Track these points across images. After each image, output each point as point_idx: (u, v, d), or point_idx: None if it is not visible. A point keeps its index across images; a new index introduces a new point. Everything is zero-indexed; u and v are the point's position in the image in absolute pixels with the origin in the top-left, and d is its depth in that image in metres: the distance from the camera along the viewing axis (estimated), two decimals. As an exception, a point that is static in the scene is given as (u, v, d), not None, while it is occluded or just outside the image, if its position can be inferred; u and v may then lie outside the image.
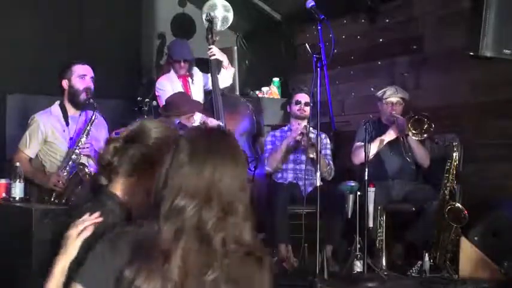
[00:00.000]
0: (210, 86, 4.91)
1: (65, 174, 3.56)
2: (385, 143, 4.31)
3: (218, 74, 4.92)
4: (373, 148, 4.16)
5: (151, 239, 1.31)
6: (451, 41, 4.60)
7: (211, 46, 4.88)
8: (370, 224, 3.93)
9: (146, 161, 1.68)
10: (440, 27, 4.81)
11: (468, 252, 3.82)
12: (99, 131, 3.78)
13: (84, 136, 3.63)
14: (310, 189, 4.29)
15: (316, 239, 3.54)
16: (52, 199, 3.49)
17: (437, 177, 4.08)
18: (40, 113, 3.78)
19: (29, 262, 2.55)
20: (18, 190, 3.28)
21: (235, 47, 6.01)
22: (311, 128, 4.41)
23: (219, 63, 4.96)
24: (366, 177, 3.88)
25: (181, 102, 4.26)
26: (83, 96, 3.71)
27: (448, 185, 3.98)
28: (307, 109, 4.52)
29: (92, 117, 3.67)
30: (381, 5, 5.24)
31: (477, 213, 3.92)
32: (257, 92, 5.78)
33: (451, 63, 4.64)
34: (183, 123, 4.19)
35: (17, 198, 3.28)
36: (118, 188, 1.73)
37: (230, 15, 5.44)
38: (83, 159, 3.63)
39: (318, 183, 3.65)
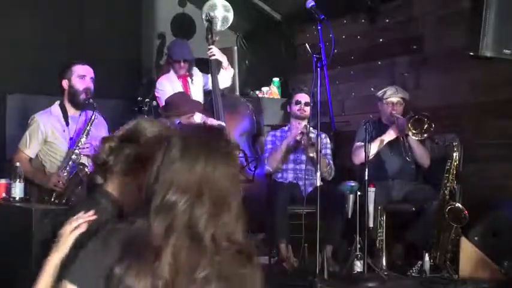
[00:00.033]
0: (209, 86, 4.91)
1: (65, 174, 3.56)
2: (385, 143, 4.31)
3: (218, 74, 4.92)
4: (373, 148, 4.16)
5: (142, 236, 1.30)
6: (451, 41, 4.60)
7: (211, 46, 4.88)
8: (370, 224, 3.93)
9: (142, 160, 1.68)
10: (440, 27, 4.81)
11: (468, 252, 3.82)
12: (99, 131, 3.78)
13: (84, 136, 3.64)
14: (310, 189, 4.29)
15: (316, 239, 3.54)
16: (52, 199, 3.49)
17: (437, 177, 4.08)
18: (40, 113, 3.77)
19: (29, 262, 2.54)
20: (18, 190, 3.28)
21: (235, 47, 6.01)
22: (311, 128, 4.41)
23: (218, 64, 4.96)
24: (366, 177, 3.88)
25: (181, 102, 4.26)
26: (82, 97, 3.71)
27: (448, 185, 3.98)
28: (307, 109, 4.52)
29: (91, 117, 3.67)
30: (381, 5, 5.24)
31: (477, 213, 3.92)
32: (257, 92, 5.78)
33: (451, 63, 4.64)
34: (183, 123, 4.19)
35: (17, 198, 3.28)
36: (113, 187, 1.74)
37: (230, 15, 5.43)
38: (83, 159, 3.63)
39: (318, 183, 3.65)
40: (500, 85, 4.33)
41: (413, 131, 4.11)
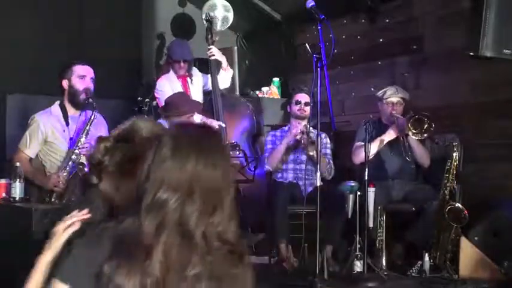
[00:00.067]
0: (209, 86, 4.91)
1: (65, 174, 3.56)
2: (385, 142, 4.31)
3: (217, 74, 4.92)
4: (373, 148, 4.16)
5: (133, 235, 1.30)
6: (451, 41, 4.60)
7: (211, 46, 4.88)
8: (370, 224, 3.93)
9: (137, 161, 1.68)
10: (440, 27, 4.81)
11: (468, 252, 3.82)
12: (99, 131, 3.78)
13: (84, 136, 3.63)
14: (310, 189, 4.29)
15: (316, 239, 3.54)
16: (52, 199, 3.49)
17: (437, 177, 4.08)
18: (40, 113, 3.77)
19: (29, 262, 2.54)
20: (18, 190, 3.28)
21: (235, 47, 6.01)
22: (311, 128, 4.41)
23: (218, 64, 4.96)
24: (366, 177, 3.88)
25: (181, 102, 4.26)
26: (82, 97, 3.71)
27: (448, 185, 3.98)
28: (307, 109, 4.51)
29: (91, 116, 3.66)
30: (381, 5, 5.24)
31: (477, 213, 3.92)
32: (257, 92, 5.78)
33: (451, 63, 4.64)
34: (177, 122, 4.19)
35: (17, 198, 3.28)
36: (108, 186, 1.73)
37: (230, 15, 5.44)
38: (83, 159, 3.62)
39: (318, 183, 3.65)
40: (500, 85, 4.33)
41: (413, 131, 4.11)
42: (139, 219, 1.31)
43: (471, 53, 3.42)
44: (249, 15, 6.14)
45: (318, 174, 3.66)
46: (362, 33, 5.43)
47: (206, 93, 4.95)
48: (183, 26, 5.84)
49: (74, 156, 3.60)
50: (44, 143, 3.70)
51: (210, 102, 4.82)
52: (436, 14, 4.86)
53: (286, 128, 4.75)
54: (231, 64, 5.18)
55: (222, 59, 4.93)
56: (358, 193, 3.91)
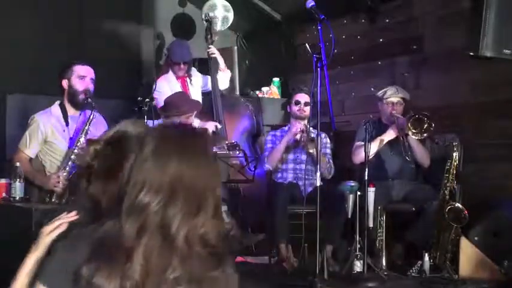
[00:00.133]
0: (209, 87, 4.92)
1: (64, 174, 3.55)
2: (385, 142, 4.31)
3: (217, 75, 4.93)
4: (373, 148, 4.16)
5: (113, 238, 1.28)
6: (451, 41, 4.60)
7: (210, 46, 4.89)
8: (370, 224, 3.93)
9: (125, 164, 1.67)
10: (440, 27, 4.81)
11: (468, 252, 3.82)
12: (98, 130, 3.77)
13: (83, 136, 3.63)
14: (310, 189, 4.29)
15: (316, 239, 3.54)
16: (52, 199, 3.49)
17: (437, 177, 4.08)
18: (40, 113, 3.77)
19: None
20: (18, 190, 3.29)
21: (235, 47, 6.01)
22: (311, 128, 4.41)
23: (217, 65, 4.96)
24: (366, 177, 3.88)
25: (180, 102, 4.27)
26: (81, 97, 3.71)
27: (448, 185, 3.98)
28: (307, 109, 4.51)
29: (89, 116, 3.66)
30: (381, 5, 5.24)
31: (477, 213, 3.92)
32: (257, 92, 5.79)
33: (451, 63, 4.64)
34: (183, 123, 4.19)
35: (17, 198, 3.28)
36: (97, 189, 1.73)
37: (230, 15, 5.44)
38: (83, 159, 3.61)
39: (318, 183, 3.65)
40: (500, 85, 4.33)
41: (413, 131, 4.11)
42: (120, 222, 1.28)
43: (471, 53, 3.42)
44: (249, 15, 6.15)
45: (318, 174, 3.66)
46: (362, 33, 5.43)
47: (205, 94, 4.95)
48: (183, 26, 5.84)
49: (73, 156, 3.59)
50: (43, 142, 3.70)
51: (210, 103, 4.83)
52: (436, 14, 4.86)
53: (286, 128, 4.75)
54: (231, 64, 5.18)
55: (220, 60, 4.94)
56: (358, 193, 3.92)
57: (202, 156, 1.36)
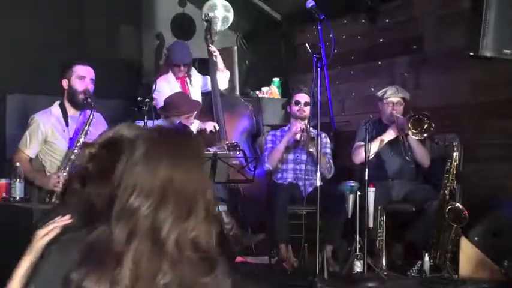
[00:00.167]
0: (208, 87, 4.92)
1: (64, 174, 3.55)
2: (385, 142, 4.31)
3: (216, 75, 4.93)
4: (373, 148, 4.16)
5: (103, 243, 1.27)
6: (451, 41, 4.60)
7: (211, 46, 4.89)
8: (370, 224, 3.93)
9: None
10: (440, 27, 4.81)
11: (468, 252, 3.82)
12: (98, 130, 3.76)
13: (83, 136, 3.62)
14: (310, 189, 4.29)
15: (316, 239, 3.54)
16: (52, 199, 3.49)
17: (437, 177, 4.08)
18: (40, 113, 3.77)
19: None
20: (18, 190, 3.29)
21: (235, 47, 6.01)
22: (311, 128, 4.41)
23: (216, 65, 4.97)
24: (366, 177, 3.88)
25: (180, 102, 4.27)
26: (80, 97, 3.70)
27: (448, 185, 3.97)
28: (307, 109, 4.51)
29: (89, 116, 3.66)
30: (381, 5, 5.24)
31: (477, 213, 3.92)
32: (257, 92, 5.79)
33: (451, 63, 4.64)
34: (183, 123, 4.19)
35: (17, 198, 3.28)
36: (91, 192, 1.72)
37: (230, 15, 5.44)
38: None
39: (318, 183, 3.65)
40: (500, 85, 4.33)
41: (413, 131, 4.11)
42: (110, 227, 1.27)
43: (471, 53, 3.42)
44: (249, 15, 6.15)
45: (318, 174, 3.66)
46: (362, 33, 5.43)
47: (205, 94, 4.95)
48: (183, 26, 5.85)
49: (73, 156, 3.59)
50: (43, 142, 3.70)
51: (210, 103, 4.83)
52: (436, 14, 4.86)
53: (286, 128, 4.75)
54: (231, 64, 5.18)
55: (219, 60, 4.94)
56: (358, 193, 3.91)
57: (193, 160, 1.35)
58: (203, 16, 5.14)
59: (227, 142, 4.35)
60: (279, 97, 5.82)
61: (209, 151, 3.68)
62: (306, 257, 4.01)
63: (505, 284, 3.60)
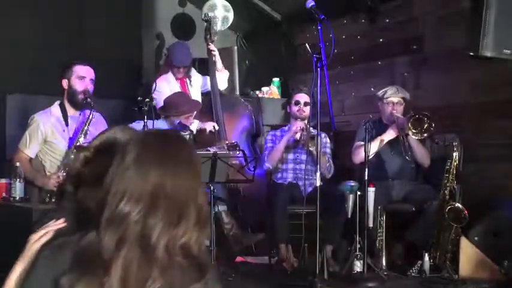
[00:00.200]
0: (208, 87, 4.92)
1: (64, 174, 3.55)
2: (385, 142, 4.31)
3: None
4: (373, 147, 4.16)
5: (93, 249, 1.25)
6: (451, 41, 4.60)
7: (210, 44, 4.89)
8: (370, 224, 3.93)
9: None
10: (440, 27, 4.81)
11: (468, 252, 3.82)
12: (98, 130, 3.75)
13: (82, 136, 3.63)
14: (310, 189, 4.28)
15: (316, 239, 3.54)
16: (53, 200, 3.49)
17: (437, 177, 4.07)
18: (40, 113, 3.77)
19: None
20: (18, 190, 3.29)
21: (235, 47, 6.01)
22: (311, 128, 4.41)
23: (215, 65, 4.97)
24: (366, 177, 3.88)
25: (180, 102, 4.27)
26: (80, 97, 3.71)
27: (448, 185, 3.97)
28: (307, 109, 4.51)
29: (89, 116, 3.66)
30: (380, 5, 5.24)
31: (477, 213, 3.92)
32: (257, 92, 5.78)
33: (451, 63, 4.64)
34: (183, 123, 4.20)
35: (17, 198, 3.28)
36: (85, 196, 1.72)
37: (230, 15, 5.44)
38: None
39: (318, 183, 3.65)
40: (500, 85, 4.33)
41: (414, 131, 4.11)
42: (99, 234, 1.26)
43: (471, 53, 3.42)
44: (249, 15, 6.15)
45: (318, 174, 3.66)
46: (362, 33, 5.43)
47: (205, 94, 4.95)
48: (183, 26, 5.85)
49: (73, 156, 3.58)
50: (43, 142, 3.70)
51: (209, 103, 4.83)
52: (436, 14, 4.86)
53: (286, 128, 4.75)
54: (231, 64, 5.18)
55: (218, 60, 4.94)
56: (358, 193, 3.91)
57: (184, 165, 1.33)
58: (203, 16, 5.14)
59: (227, 142, 4.35)
60: (279, 97, 5.82)
61: (209, 151, 3.68)
62: (306, 257, 4.01)
63: (505, 284, 3.60)
